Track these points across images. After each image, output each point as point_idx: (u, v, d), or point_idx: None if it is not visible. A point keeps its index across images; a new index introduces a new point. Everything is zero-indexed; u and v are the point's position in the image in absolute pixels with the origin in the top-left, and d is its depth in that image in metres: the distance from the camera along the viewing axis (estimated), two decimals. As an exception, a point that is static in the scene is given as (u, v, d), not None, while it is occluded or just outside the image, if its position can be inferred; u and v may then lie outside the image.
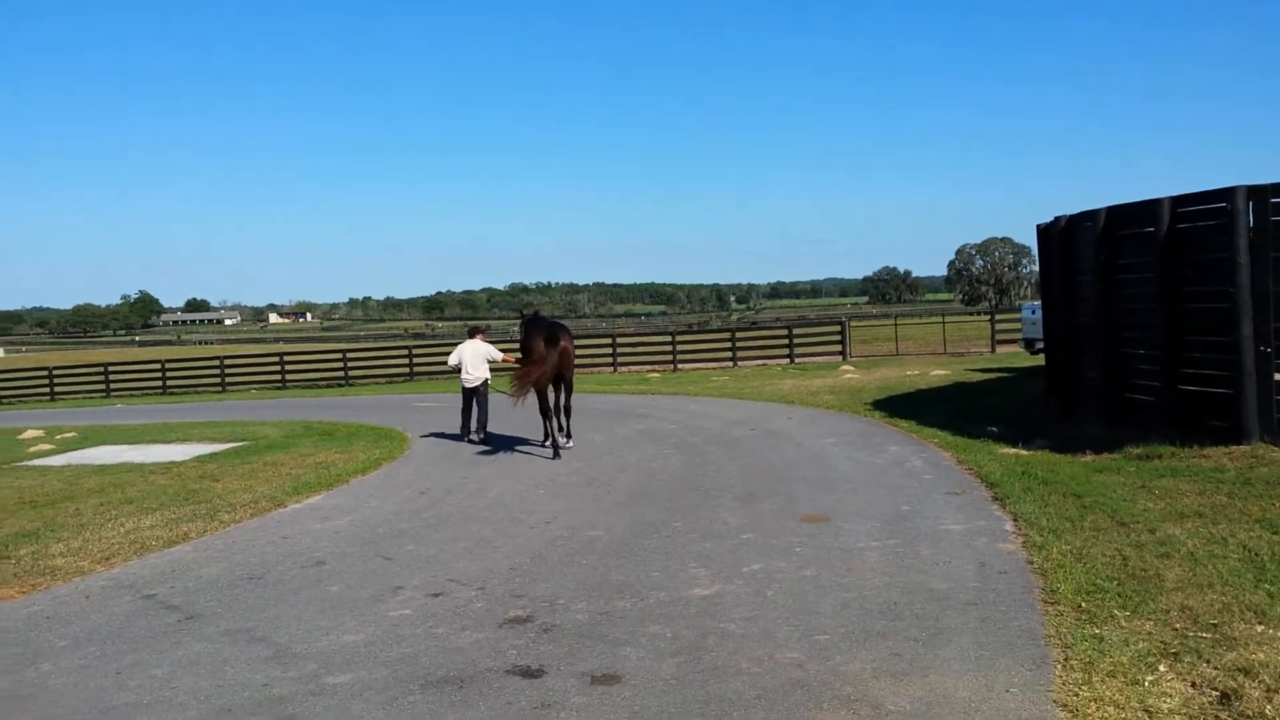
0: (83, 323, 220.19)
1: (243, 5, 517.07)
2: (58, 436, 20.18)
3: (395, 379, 36.15)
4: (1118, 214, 11.32)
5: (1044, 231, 14.30)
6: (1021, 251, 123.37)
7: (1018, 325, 29.73)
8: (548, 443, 13.47)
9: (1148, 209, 10.56)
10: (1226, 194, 9.54)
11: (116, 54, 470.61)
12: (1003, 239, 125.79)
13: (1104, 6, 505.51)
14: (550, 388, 13.48)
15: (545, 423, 13.59)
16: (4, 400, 41.86)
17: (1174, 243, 10.24)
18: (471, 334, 16.36)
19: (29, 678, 5.49)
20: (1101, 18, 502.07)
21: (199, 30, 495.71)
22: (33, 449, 18.12)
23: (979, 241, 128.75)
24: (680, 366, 32.61)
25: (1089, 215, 11.87)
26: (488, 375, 15.77)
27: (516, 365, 13.95)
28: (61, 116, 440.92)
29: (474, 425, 15.47)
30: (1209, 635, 5.12)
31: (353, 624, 6.18)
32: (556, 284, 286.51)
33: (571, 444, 13.84)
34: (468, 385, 15.59)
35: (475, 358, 15.64)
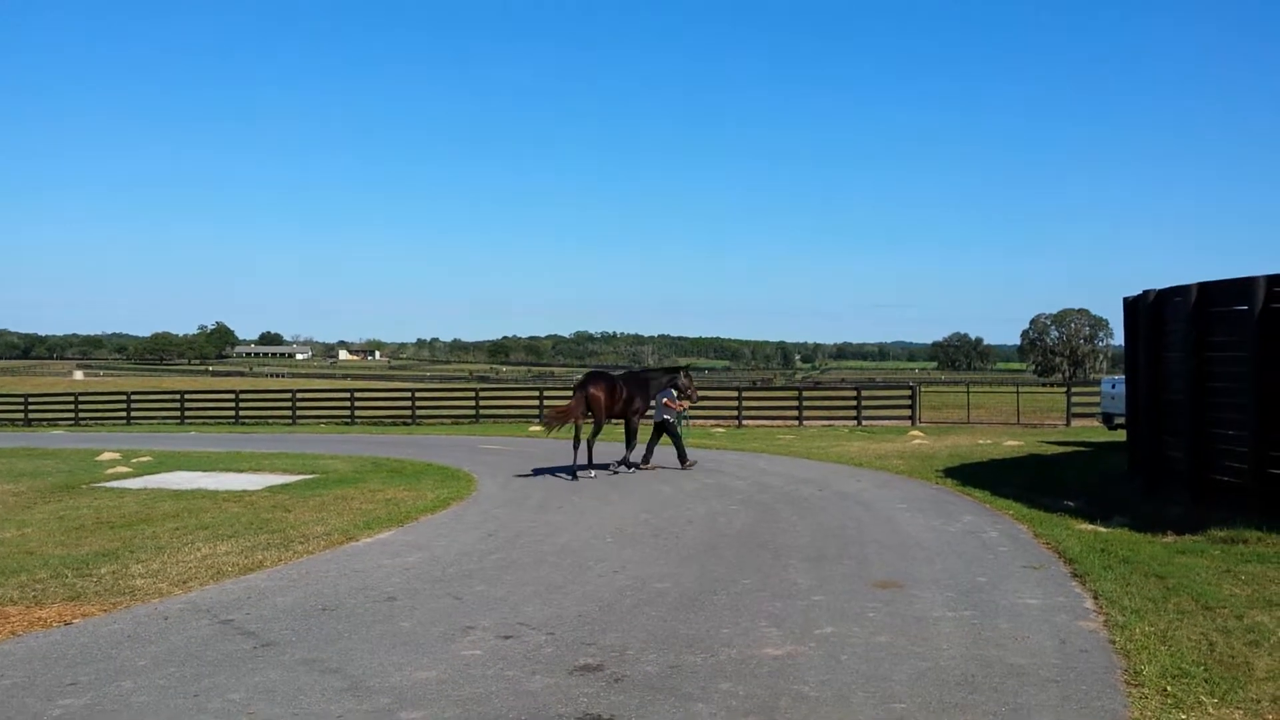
0: (159, 350, 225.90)
1: (333, 53, 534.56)
2: (134, 460, 20.70)
3: (460, 420, 36.55)
4: (1210, 290, 11.09)
5: (1131, 305, 14.06)
6: (1099, 324, 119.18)
7: (1095, 399, 29.18)
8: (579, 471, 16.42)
9: (1241, 286, 10.34)
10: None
11: (214, 95, 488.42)
12: (1079, 310, 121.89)
13: (1200, 77, 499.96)
14: (582, 424, 16.47)
15: (574, 453, 16.49)
16: (83, 422, 43.10)
17: (1268, 322, 10.00)
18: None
19: (112, 694, 5.60)
20: (1193, 88, 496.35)
21: (288, 74, 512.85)
22: (110, 471, 18.59)
23: (1054, 312, 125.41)
24: (745, 423, 32.48)
25: (1179, 290, 11.65)
26: (666, 410, 17.87)
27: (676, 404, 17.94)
28: (147, 151, 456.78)
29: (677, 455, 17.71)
30: (1305, 729, 4.94)
31: (424, 661, 6.21)
32: (621, 334, 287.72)
33: (595, 474, 16.35)
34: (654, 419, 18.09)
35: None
